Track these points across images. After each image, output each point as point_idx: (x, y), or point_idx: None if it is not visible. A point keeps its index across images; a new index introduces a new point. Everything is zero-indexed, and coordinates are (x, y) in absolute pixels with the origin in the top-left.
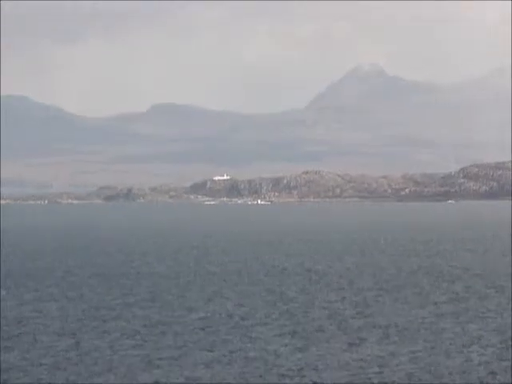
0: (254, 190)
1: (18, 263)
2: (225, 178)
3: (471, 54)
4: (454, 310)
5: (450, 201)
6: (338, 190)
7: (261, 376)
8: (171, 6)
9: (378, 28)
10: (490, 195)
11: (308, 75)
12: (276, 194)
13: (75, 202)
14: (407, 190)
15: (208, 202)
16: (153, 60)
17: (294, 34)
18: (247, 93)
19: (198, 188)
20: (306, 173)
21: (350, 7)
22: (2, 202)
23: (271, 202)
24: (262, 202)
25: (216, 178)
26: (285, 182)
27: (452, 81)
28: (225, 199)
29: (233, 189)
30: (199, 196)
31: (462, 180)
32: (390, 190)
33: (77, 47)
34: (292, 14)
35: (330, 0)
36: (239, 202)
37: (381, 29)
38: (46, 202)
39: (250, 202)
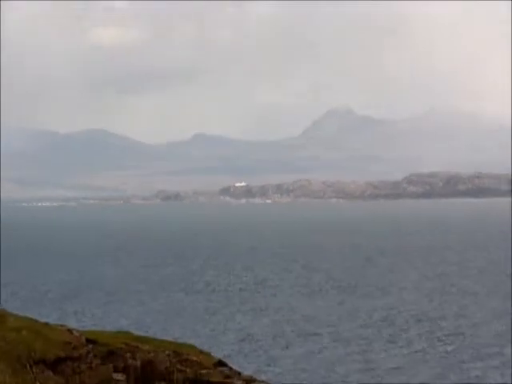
0: (263, 192)
1: (126, 243)
2: (242, 184)
3: (418, 95)
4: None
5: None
6: (321, 193)
7: (288, 321)
8: (208, 66)
9: (353, 78)
10: (425, 195)
11: (301, 114)
12: (278, 195)
13: (142, 201)
14: (369, 192)
15: (236, 202)
16: (195, 104)
17: (292, 87)
18: (258, 125)
19: (225, 191)
20: (299, 181)
21: (333, 68)
22: (91, 202)
23: (273, 201)
24: (268, 201)
25: (237, 185)
26: (284, 187)
27: (398, 117)
28: (243, 199)
29: (248, 192)
30: (227, 197)
31: (406, 185)
32: (357, 192)
33: (142, 95)
34: (291, 74)
35: (317, 63)
36: (252, 201)
37: (355, 79)
38: (122, 202)
39: (260, 202)
